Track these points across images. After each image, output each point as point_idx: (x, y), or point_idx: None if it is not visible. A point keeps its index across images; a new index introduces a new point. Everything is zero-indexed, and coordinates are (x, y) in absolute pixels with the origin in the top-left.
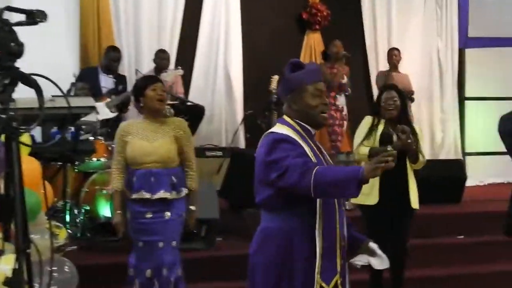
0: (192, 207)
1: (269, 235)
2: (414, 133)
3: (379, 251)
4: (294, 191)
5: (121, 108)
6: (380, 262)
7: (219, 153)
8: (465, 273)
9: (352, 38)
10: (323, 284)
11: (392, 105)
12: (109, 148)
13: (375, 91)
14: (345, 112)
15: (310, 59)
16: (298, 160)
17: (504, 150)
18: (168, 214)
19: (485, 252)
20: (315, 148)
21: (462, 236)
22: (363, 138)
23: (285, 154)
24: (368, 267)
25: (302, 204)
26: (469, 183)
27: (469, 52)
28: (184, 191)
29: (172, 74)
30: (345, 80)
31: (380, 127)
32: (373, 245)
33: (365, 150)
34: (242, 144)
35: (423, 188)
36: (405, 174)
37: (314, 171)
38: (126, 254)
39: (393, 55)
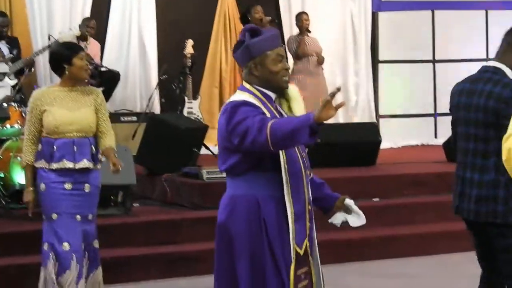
0: (114, 154)
1: (239, 203)
2: None
3: (355, 207)
4: (255, 148)
5: (20, 73)
6: (357, 218)
7: (134, 119)
8: (380, 236)
9: (267, 2)
10: (297, 249)
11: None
12: (23, 115)
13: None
14: None
15: (224, 24)
16: (255, 118)
17: (418, 112)
18: (87, 186)
19: (400, 214)
20: (276, 113)
21: (377, 199)
22: None
23: (244, 116)
24: (347, 224)
25: (268, 170)
26: (383, 145)
27: (382, 15)
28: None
29: (69, 35)
30: None
31: None
32: (349, 202)
33: None
34: (157, 109)
35: (338, 152)
36: None
37: (269, 124)
38: (42, 220)
39: (303, 19)
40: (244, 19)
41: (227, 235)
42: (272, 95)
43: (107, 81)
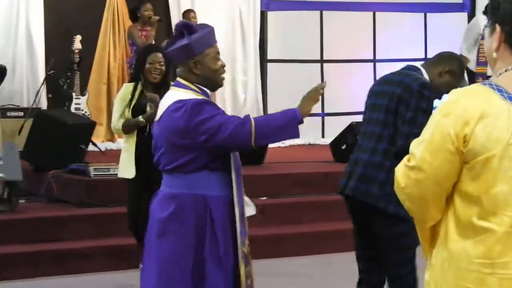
0: None
1: (185, 202)
2: None
3: (246, 198)
4: (227, 145)
5: None
6: (247, 208)
7: (21, 114)
8: (266, 235)
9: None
10: (243, 248)
11: (157, 69)
12: None
13: None
14: None
15: (113, 20)
16: (228, 116)
17: None
18: None
19: (287, 214)
20: None
21: (264, 198)
22: (122, 111)
23: (212, 113)
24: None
25: (218, 169)
26: (271, 144)
27: (271, 14)
28: None
29: None
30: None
31: (136, 95)
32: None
33: (119, 125)
34: (44, 104)
35: None
36: None
37: (252, 121)
38: None
39: (190, 17)
40: (133, 15)
41: (168, 231)
42: (209, 93)
43: None
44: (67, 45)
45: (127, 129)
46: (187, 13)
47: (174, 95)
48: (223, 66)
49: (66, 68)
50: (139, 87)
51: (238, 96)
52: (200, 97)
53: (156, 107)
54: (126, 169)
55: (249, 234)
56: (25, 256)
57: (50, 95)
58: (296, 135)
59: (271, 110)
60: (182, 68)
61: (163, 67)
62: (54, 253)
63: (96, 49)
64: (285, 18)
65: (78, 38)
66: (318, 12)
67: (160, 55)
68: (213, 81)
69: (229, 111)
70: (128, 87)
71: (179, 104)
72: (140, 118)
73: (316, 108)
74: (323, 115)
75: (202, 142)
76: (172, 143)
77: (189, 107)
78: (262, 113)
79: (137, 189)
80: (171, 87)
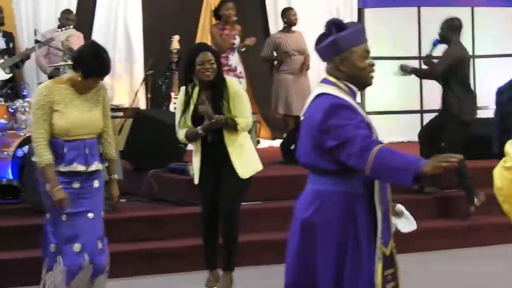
0: (115, 176)
1: (329, 199)
2: (225, 101)
3: (406, 212)
4: (346, 162)
5: (17, 67)
6: (407, 224)
7: (120, 114)
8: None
9: None
10: (384, 249)
11: (208, 69)
12: (10, 110)
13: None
14: (239, 70)
15: (210, 19)
16: (359, 133)
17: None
18: (96, 182)
19: None
20: (359, 107)
21: None
22: (180, 118)
23: (345, 122)
24: (396, 229)
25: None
26: None
27: (368, 12)
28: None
29: (63, 34)
30: (236, 40)
31: (195, 96)
32: (400, 207)
33: (182, 135)
34: (143, 104)
35: None
36: (223, 144)
37: (375, 152)
38: (27, 217)
39: (291, 15)
40: (216, 15)
41: (312, 229)
42: (356, 91)
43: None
44: (165, 46)
45: (190, 139)
46: (287, 11)
47: (319, 90)
48: (371, 64)
49: (164, 68)
50: (195, 90)
51: None
52: (345, 95)
53: (210, 117)
54: (195, 174)
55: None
56: (125, 254)
57: (149, 95)
58: (408, 182)
59: (369, 107)
60: (329, 65)
61: (214, 65)
62: (154, 252)
63: None
64: (382, 15)
65: (176, 38)
66: (415, 9)
67: (209, 53)
68: (360, 79)
69: None
70: (184, 91)
71: (317, 101)
72: (199, 130)
73: (415, 104)
74: (421, 112)
75: (330, 148)
76: (309, 139)
77: (328, 106)
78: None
79: (204, 193)
80: (318, 84)
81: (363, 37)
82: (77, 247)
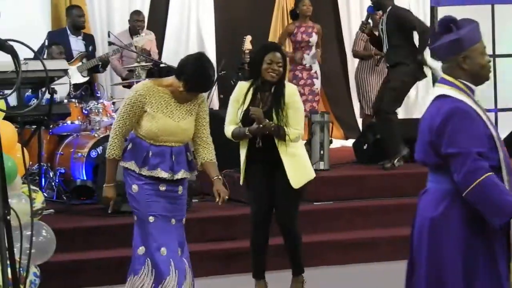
0: (218, 177)
1: (459, 198)
2: (280, 107)
3: None
4: (453, 171)
5: (94, 71)
6: None
7: None
8: None
9: None
10: None
11: (276, 70)
12: (84, 111)
13: (349, 53)
14: (314, 70)
15: (282, 19)
16: (471, 151)
17: None
18: (180, 188)
19: None
20: (476, 106)
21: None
22: (232, 115)
23: (461, 132)
24: None
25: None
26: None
27: (441, 10)
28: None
29: (143, 39)
30: (313, 37)
31: (249, 97)
32: None
33: (229, 132)
34: (216, 105)
35: None
36: (277, 153)
37: (480, 180)
38: (103, 216)
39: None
40: (293, 14)
41: (442, 227)
42: (475, 88)
43: (166, 77)
44: (237, 46)
45: (236, 138)
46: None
47: (438, 91)
48: (489, 61)
49: (236, 68)
50: (253, 87)
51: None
52: (464, 96)
53: (259, 121)
54: (241, 175)
55: None
56: (199, 254)
57: (221, 96)
58: (497, 223)
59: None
60: (448, 64)
61: (281, 68)
62: (226, 252)
63: None
64: (455, 13)
65: (248, 38)
66: (489, 6)
67: (279, 54)
68: (480, 76)
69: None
70: (241, 87)
71: (440, 101)
72: (246, 131)
73: (489, 103)
74: (496, 111)
75: (441, 154)
76: (428, 138)
77: (448, 110)
78: None
79: (254, 195)
80: (436, 84)
81: (480, 34)
82: (163, 251)
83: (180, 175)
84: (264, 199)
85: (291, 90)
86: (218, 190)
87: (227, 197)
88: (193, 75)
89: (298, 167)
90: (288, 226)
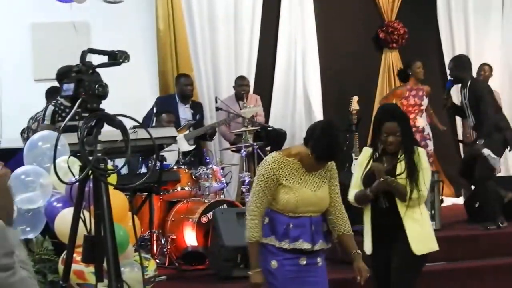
0: (358, 251)
1: None
2: (411, 166)
3: None
4: None
5: (201, 139)
6: None
7: None
8: None
9: (431, 55)
10: None
11: (392, 142)
12: (193, 177)
13: None
14: (426, 132)
15: (388, 79)
16: None
17: None
18: (319, 259)
19: None
20: None
21: None
22: (356, 179)
23: None
24: None
25: None
26: None
27: None
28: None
29: (251, 111)
30: (424, 100)
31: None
32: None
33: (352, 196)
34: None
35: None
36: (397, 215)
37: None
38: (214, 282)
39: (483, 70)
40: (402, 74)
41: None
42: None
43: (274, 141)
44: (344, 106)
45: (357, 201)
46: (482, 66)
47: None
48: None
49: (344, 129)
50: (377, 152)
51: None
52: None
53: (379, 175)
54: (366, 243)
55: None
56: None
57: None
58: None
59: None
60: None
61: (399, 137)
62: None
63: (373, 108)
64: None
65: (355, 99)
66: None
67: (395, 125)
68: None
69: None
70: (366, 152)
71: None
72: (368, 191)
73: None
74: None
75: None
76: None
77: None
78: None
79: (377, 268)
80: None
81: None
82: None
83: (319, 245)
84: (387, 274)
85: (419, 153)
86: (359, 268)
87: (368, 275)
88: (321, 143)
89: (422, 233)
90: None
